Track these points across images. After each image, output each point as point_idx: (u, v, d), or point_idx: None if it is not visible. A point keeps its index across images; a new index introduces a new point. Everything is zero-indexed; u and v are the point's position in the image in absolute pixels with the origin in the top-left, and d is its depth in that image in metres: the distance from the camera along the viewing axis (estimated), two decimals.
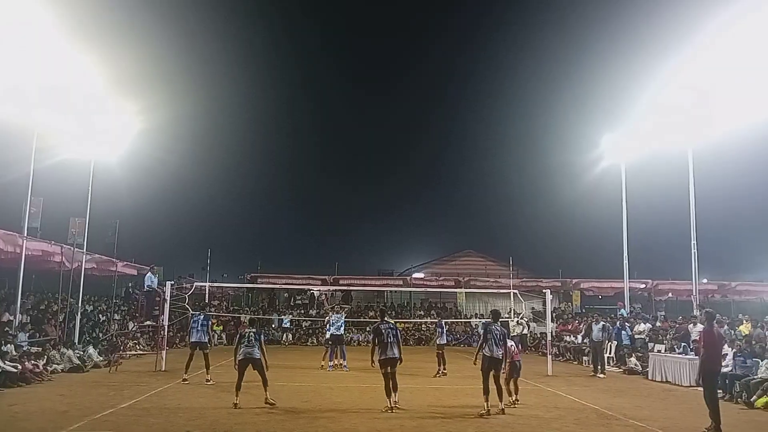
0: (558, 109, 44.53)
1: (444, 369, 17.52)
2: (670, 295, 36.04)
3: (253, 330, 12.41)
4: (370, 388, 13.32)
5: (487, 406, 11.01)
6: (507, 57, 62.07)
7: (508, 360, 12.08)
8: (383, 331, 11.51)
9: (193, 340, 15.26)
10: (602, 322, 19.71)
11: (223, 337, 29.90)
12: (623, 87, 26.92)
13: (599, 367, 18.76)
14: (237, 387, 11.71)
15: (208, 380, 14.73)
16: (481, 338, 11.58)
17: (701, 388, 10.49)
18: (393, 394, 11.41)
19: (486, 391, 11.11)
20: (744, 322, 19.07)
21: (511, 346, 12.82)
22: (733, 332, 17.83)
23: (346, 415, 10.92)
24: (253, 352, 11.99)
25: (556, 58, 49.89)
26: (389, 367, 11.38)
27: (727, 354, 15.41)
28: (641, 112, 24.58)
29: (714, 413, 9.90)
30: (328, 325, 18.94)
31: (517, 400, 12.34)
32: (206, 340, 15.40)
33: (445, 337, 18.62)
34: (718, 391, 11.25)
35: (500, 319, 12.19)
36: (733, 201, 36.20)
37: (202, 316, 15.38)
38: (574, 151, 32.93)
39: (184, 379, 14.84)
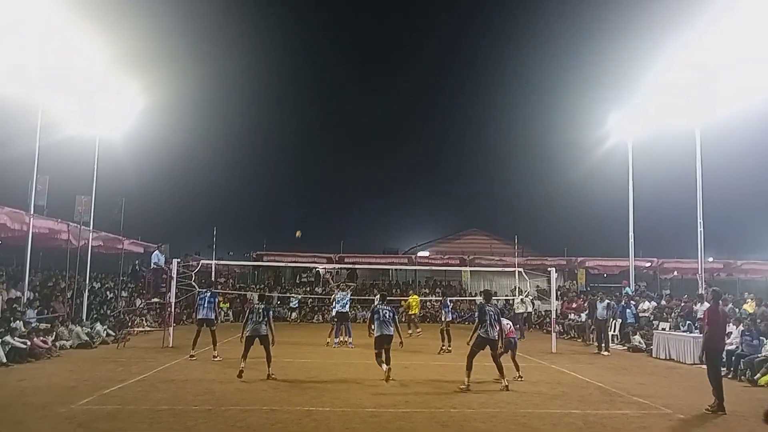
0: (565, 87, 44.00)
1: (449, 346, 17.61)
2: (675, 273, 36.04)
3: (263, 305, 12.62)
4: (375, 365, 13.41)
5: (467, 382, 11.32)
6: (513, 36, 61.31)
7: (503, 338, 12.30)
8: (380, 311, 12.30)
9: (200, 316, 15.31)
10: (607, 300, 19.75)
11: (230, 314, 30.16)
12: (631, 65, 26.62)
13: (603, 344, 18.85)
14: (243, 356, 12.18)
15: (215, 357, 14.87)
16: (477, 320, 11.79)
17: (704, 366, 10.55)
18: (387, 366, 11.96)
19: (469, 367, 11.44)
20: (749, 300, 19.04)
21: (507, 324, 13.01)
22: (738, 311, 17.82)
23: (352, 391, 11.02)
24: (260, 329, 12.32)
25: (562, 35, 49.21)
26: (385, 344, 12.15)
27: (732, 332, 15.48)
28: (649, 90, 24.36)
29: (717, 391, 9.98)
30: (334, 303, 18.98)
31: (521, 376, 12.54)
32: (213, 317, 15.51)
33: (450, 315, 18.78)
34: (722, 369, 11.37)
35: (510, 297, 12.34)
36: (739, 180, 35.91)
37: (208, 293, 15.43)
38: (580, 129, 32.64)
39: (192, 356, 14.96)
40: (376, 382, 11.88)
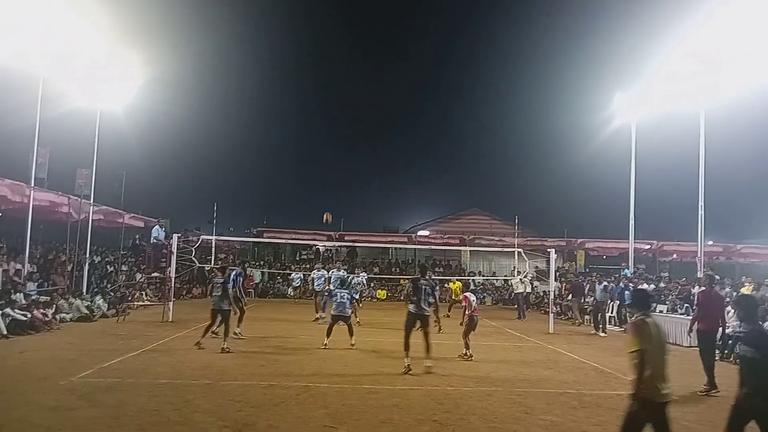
0: (569, 68, 43.85)
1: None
2: (674, 256, 36.12)
3: (222, 279, 12.94)
4: (372, 342, 13.54)
5: (407, 362, 10.77)
6: (517, 17, 60.85)
7: (467, 314, 12.67)
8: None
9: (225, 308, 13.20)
10: (604, 282, 20.00)
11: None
12: (637, 47, 26.42)
13: (601, 326, 19.02)
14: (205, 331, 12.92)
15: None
16: (411, 293, 11.29)
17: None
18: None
19: (406, 347, 10.93)
20: (746, 284, 19.10)
21: (474, 301, 13.04)
22: (735, 294, 17.89)
23: (350, 368, 11.11)
24: (220, 303, 12.74)
25: (567, 16, 48.80)
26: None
27: (732, 316, 15.54)
28: (654, 72, 24.17)
29: (708, 371, 10.20)
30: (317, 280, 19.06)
31: (471, 355, 12.51)
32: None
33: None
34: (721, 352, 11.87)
35: (509, 277, 12.34)
36: (741, 164, 35.82)
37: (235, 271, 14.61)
38: (583, 111, 32.52)
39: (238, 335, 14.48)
40: (374, 360, 11.98)
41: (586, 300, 22.67)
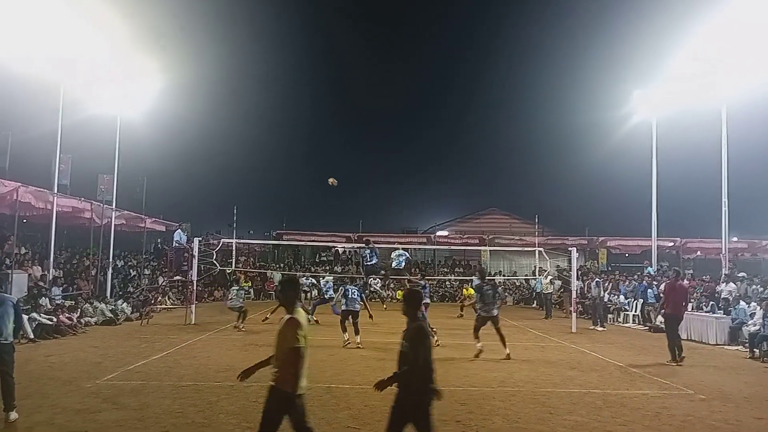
0: (587, 65, 43.23)
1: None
2: (698, 253, 35.52)
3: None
4: (393, 343, 13.49)
5: (479, 347, 12.54)
6: (534, 13, 60.38)
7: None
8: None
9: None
10: (597, 279, 21.28)
11: (251, 292, 30.43)
12: (655, 42, 26.08)
13: (598, 320, 19.85)
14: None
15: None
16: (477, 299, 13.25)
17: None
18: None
19: (477, 337, 12.75)
20: None
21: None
22: (765, 290, 17.62)
23: (372, 369, 11.06)
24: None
25: (585, 12, 48.26)
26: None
27: (755, 313, 15.33)
28: (673, 67, 23.84)
29: (671, 347, 12.65)
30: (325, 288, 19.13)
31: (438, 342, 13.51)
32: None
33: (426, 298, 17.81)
34: (755, 350, 13.71)
35: (531, 277, 12.63)
36: (764, 157, 35.10)
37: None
38: (603, 107, 32.09)
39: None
40: (395, 361, 11.94)
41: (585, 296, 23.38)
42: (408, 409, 5.08)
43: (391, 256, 19.00)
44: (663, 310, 13.64)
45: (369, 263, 17.52)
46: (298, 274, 19.83)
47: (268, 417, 5.08)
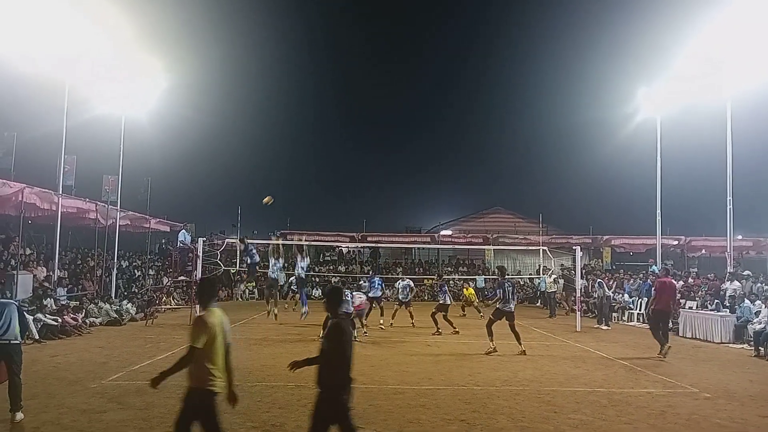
0: (591, 63, 43.16)
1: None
2: (703, 251, 35.42)
3: None
4: (400, 340, 13.46)
5: (492, 345, 12.84)
6: (537, 13, 60.34)
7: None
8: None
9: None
10: (599, 280, 21.22)
11: (255, 291, 30.48)
12: (659, 40, 26.01)
13: (603, 319, 19.85)
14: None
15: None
16: (497, 295, 13.44)
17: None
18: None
19: (490, 334, 13.06)
20: None
21: (358, 298, 14.85)
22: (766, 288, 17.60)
23: (376, 368, 11.08)
24: None
25: (588, 9, 48.19)
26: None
27: (760, 311, 15.32)
28: (678, 64, 23.76)
29: (657, 339, 13.17)
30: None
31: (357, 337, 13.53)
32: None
33: (448, 298, 17.51)
34: (760, 348, 13.75)
35: (535, 276, 12.71)
36: None
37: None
38: (607, 105, 32.06)
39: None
40: (400, 360, 11.97)
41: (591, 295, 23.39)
42: (324, 407, 5.11)
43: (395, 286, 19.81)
44: (652, 306, 13.79)
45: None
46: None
47: (179, 415, 5.24)
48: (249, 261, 19.59)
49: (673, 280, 14.79)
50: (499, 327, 13.26)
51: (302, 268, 18.66)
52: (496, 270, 14.29)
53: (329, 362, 5.14)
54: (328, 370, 5.13)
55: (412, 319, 17.88)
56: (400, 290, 18.70)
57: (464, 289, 24.67)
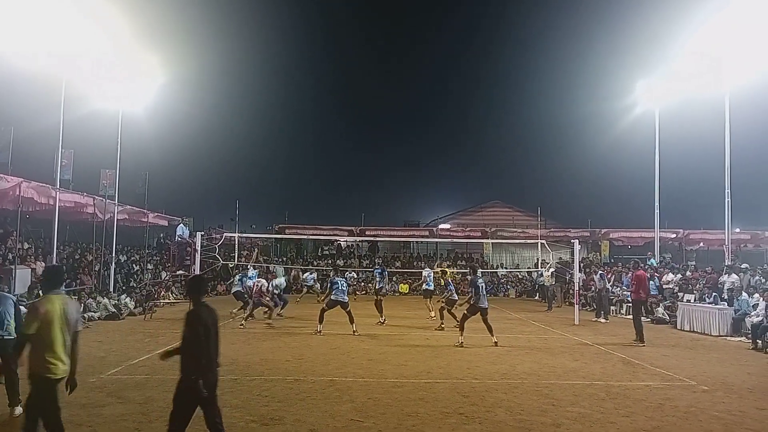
0: (589, 56, 43.15)
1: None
2: (701, 244, 35.48)
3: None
4: (397, 336, 13.45)
5: (461, 339, 13.19)
6: (535, 7, 60.18)
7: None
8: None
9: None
10: (600, 272, 21.27)
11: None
12: (658, 32, 26.01)
13: (602, 312, 19.91)
14: None
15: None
16: (472, 292, 13.59)
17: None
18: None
19: (461, 328, 13.42)
20: None
21: (258, 283, 16.55)
22: (765, 281, 17.61)
23: (375, 362, 11.10)
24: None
25: (586, 1, 48.07)
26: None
27: (758, 304, 15.36)
28: (676, 57, 23.75)
29: (637, 329, 14.36)
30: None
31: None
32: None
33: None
34: (757, 341, 13.86)
35: (533, 270, 12.72)
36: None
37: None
38: (605, 98, 32.06)
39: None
40: (398, 354, 11.99)
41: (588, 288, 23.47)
42: (182, 393, 5.33)
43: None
44: (633, 297, 15.35)
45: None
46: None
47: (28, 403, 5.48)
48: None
49: (645, 272, 16.51)
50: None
51: (276, 286, 18.66)
52: (469, 269, 14.81)
53: (186, 350, 5.39)
54: (186, 358, 5.37)
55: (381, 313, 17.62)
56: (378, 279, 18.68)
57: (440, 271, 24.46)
